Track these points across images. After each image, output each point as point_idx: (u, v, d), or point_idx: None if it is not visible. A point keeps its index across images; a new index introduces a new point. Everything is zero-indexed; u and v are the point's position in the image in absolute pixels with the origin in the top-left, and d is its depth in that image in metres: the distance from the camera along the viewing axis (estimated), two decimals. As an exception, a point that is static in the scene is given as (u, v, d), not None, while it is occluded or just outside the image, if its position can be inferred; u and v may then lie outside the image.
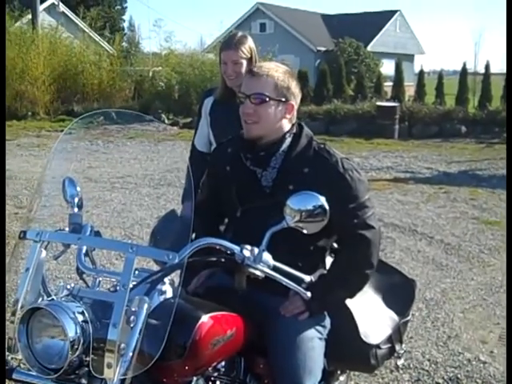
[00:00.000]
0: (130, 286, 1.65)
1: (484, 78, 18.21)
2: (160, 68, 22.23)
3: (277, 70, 2.20)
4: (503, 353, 3.82)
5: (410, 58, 34.20)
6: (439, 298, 4.70)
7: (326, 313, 2.26)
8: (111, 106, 18.54)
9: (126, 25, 38.19)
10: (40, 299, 1.73)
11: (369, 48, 30.91)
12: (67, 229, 1.99)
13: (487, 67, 18.16)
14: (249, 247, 1.82)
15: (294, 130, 2.28)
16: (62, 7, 27.40)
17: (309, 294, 1.95)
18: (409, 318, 2.66)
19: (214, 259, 1.83)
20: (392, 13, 36.08)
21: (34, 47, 20.09)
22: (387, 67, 28.02)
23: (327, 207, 1.85)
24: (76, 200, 2.09)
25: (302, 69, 18.85)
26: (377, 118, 15.60)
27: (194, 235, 1.96)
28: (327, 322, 2.26)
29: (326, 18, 35.75)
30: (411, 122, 16.06)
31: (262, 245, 1.82)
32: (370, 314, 2.49)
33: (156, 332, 1.69)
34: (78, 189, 2.12)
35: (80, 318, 1.59)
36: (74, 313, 1.59)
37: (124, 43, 25.86)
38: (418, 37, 39.57)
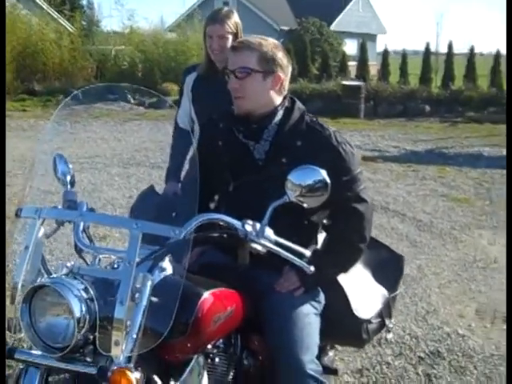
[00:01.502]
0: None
1: (447, 57, 18.44)
2: (123, 47, 21.89)
3: (260, 43, 2.16)
4: (481, 326, 3.92)
5: (372, 37, 34.37)
6: (415, 274, 4.77)
7: (319, 288, 2.27)
8: (73, 85, 18.12)
9: (84, 2, 37.34)
10: (39, 278, 1.68)
11: (332, 27, 30.91)
12: (60, 206, 1.93)
13: (450, 47, 18.38)
14: (250, 222, 1.79)
15: (286, 104, 2.26)
16: (20, -17, 26.60)
17: (312, 268, 1.94)
18: (397, 292, 2.69)
19: (217, 235, 1.81)
20: (355, -8, 36.11)
21: (-9, 24, 19.53)
22: (350, 47, 28.13)
23: (328, 181, 1.84)
24: (68, 178, 2.04)
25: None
26: (342, 97, 15.65)
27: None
28: (322, 297, 2.27)
29: (289, -3, 35.58)
30: (376, 101, 16.18)
31: (265, 219, 1.80)
32: (361, 290, 2.50)
33: (160, 309, 1.67)
34: (70, 166, 2.07)
35: (85, 295, 1.56)
36: (78, 290, 1.55)
37: (83, 21, 25.30)
38: (380, 16, 39.66)
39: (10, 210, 4.93)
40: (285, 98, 2.27)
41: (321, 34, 28.97)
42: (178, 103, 3.55)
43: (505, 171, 8.08)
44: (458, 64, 18.28)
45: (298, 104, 2.30)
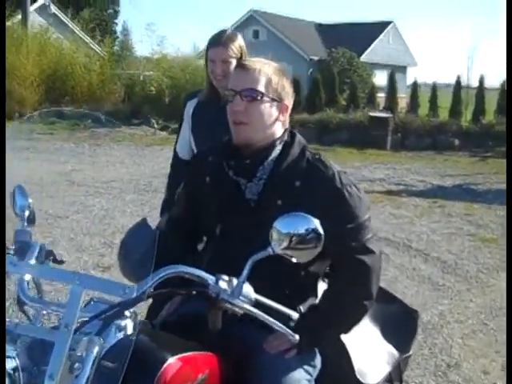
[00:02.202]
0: (77, 324, 1.33)
1: (478, 91, 18.08)
2: (151, 72, 21.95)
3: (269, 66, 1.91)
4: (507, 386, 3.53)
5: (402, 69, 34.04)
6: (436, 322, 4.39)
7: (316, 350, 1.95)
8: (100, 109, 18.16)
9: (119, 29, 37.82)
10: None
11: (362, 58, 30.71)
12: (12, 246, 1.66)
13: (481, 81, 18.00)
14: (226, 278, 1.49)
15: (286, 138, 1.98)
16: (54, 8, 26.99)
17: (297, 336, 1.63)
18: (410, 353, 2.34)
19: (183, 291, 1.51)
20: (385, 24, 35.92)
21: (23, 47, 19.75)
22: (380, 78, 27.84)
23: (321, 232, 1.53)
24: (26, 213, 1.77)
25: (294, 77, 18.56)
26: (369, 128, 15.37)
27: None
28: (318, 360, 1.94)
29: (320, 27, 35.52)
30: (404, 133, 15.86)
31: (242, 276, 1.50)
32: (367, 349, 2.17)
33: (111, 378, 1.38)
34: (30, 200, 1.80)
35: (10, 364, 1.27)
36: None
37: (116, 47, 25.54)
38: (411, 48, 39.38)
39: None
40: (285, 131, 1.99)
41: (350, 65, 28.79)
42: (177, 131, 3.30)
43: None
44: (489, 98, 17.88)
45: (299, 138, 2.00)
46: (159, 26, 56.99)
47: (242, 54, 2.90)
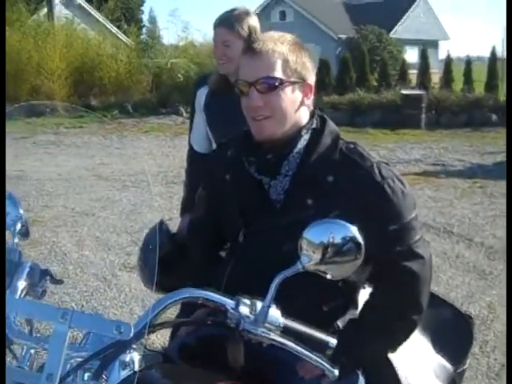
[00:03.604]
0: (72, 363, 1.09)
1: (515, 62, 17.35)
2: (178, 60, 21.71)
3: (283, 41, 1.61)
4: None
5: (434, 44, 33.15)
6: (486, 315, 4.07)
7: (358, 372, 1.68)
8: (129, 99, 18.09)
9: (145, 17, 37.64)
10: None
11: (391, 35, 30.00)
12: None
13: (518, 51, 17.28)
14: (247, 301, 1.23)
15: (314, 125, 1.69)
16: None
17: (336, 372, 1.36)
18: (466, 366, 2.05)
19: (196, 322, 1.26)
20: (415, -2, 35.04)
21: (49, 40, 19.68)
22: (410, 54, 27.18)
23: (361, 241, 1.26)
24: (18, 226, 1.53)
25: (322, 57, 18.12)
26: (402, 107, 14.87)
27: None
28: (361, 383, 1.68)
29: (347, 5, 34.83)
30: (439, 110, 15.32)
31: (267, 299, 1.24)
32: (416, 364, 1.89)
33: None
34: (21, 211, 1.56)
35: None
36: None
37: (143, 36, 25.36)
38: (443, 22, 38.37)
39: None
40: (312, 116, 1.70)
41: (380, 42, 28.15)
42: (189, 122, 3.04)
43: None
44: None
45: (331, 125, 1.71)
46: (185, 11, 56.52)
47: (251, 36, 2.58)
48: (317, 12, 31.34)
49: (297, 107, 1.64)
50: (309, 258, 1.25)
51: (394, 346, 1.68)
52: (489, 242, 5.73)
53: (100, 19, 24.81)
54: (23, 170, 9.09)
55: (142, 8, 39.49)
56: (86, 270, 4.91)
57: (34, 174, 9.05)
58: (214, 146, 2.80)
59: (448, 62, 18.54)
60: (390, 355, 1.78)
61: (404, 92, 15.60)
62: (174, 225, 2.94)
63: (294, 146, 1.64)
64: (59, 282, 1.56)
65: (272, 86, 1.58)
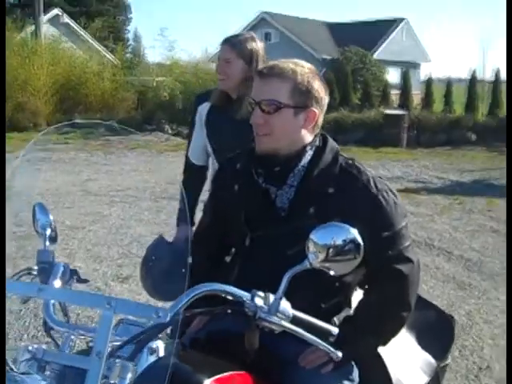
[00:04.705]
0: (109, 349, 1.26)
1: (494, 84, 17.79)
2: (164, 78, 21.92)
3: (294, 70, 1.79)
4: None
5: (416, 65, 33.75)
6: (465, 322, 4.30)
7: (353, 363, 1.87)
8: (114, 117, 18.17)
9: (130, 36, 37.92)
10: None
11: (374, 56, 30.50)
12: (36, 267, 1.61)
13: (497, 74, 17.75)
14: (262, 294, 1.43)
15: (317, 143, 1.89)
16: (67, 18, 27.10)
17: (339, 353, 1.56)
18: (448, 361, 2.26)
19: (219, 311, 1.45)
20: (398, 21, 35.65)
21: (36, 58, 19.80)
22: (393, 75, 27.64)
23: (361, 242, 1.46)
24: (48, 232, 1.71)
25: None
26: (384, 126, 15.22)
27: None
28: (355, 374, 1.86)
29: (331, 27, 35.33)
30: (419, 130, 15.69)
31: (279, 292, 1.43)
32: (404, 359, 2.09)
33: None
34: (51, 217, 1.74)
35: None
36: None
37: (128, 54, 25.57)
38: (424, 44, 39.07)
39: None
40: (316, 135, 1.91)
41: (363, 63, 28.59)
42: (188, 135, 3.23)
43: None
44: (505, 92, 17.63)
45: (331, 143, 1.92)
46: (172, 31, 56.94)
47: (252, 57, 2.80)
48: (301, 33, 31.76)
49: (296, 130, 1.83)
50: (315, 257, 1.45)
51: (386, 339, 1.88)
52: (468, 254, 5.98)
53: (87, 37, 24.97)
54: (12, 186, 9.17)
55: (128, 27, 39.87)
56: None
57: (24, 189, 9.13)
58: (211, 159, 3.00)
59: (429, 84, 18.94)
60: (381, 352, 1.97)
61: (386, 112, 15.97)
62: (170, 236, 3.10)
63: (300, 161, 1.84)
64: (85, 281, 1.73)
65: (273, 108, 1.78)
